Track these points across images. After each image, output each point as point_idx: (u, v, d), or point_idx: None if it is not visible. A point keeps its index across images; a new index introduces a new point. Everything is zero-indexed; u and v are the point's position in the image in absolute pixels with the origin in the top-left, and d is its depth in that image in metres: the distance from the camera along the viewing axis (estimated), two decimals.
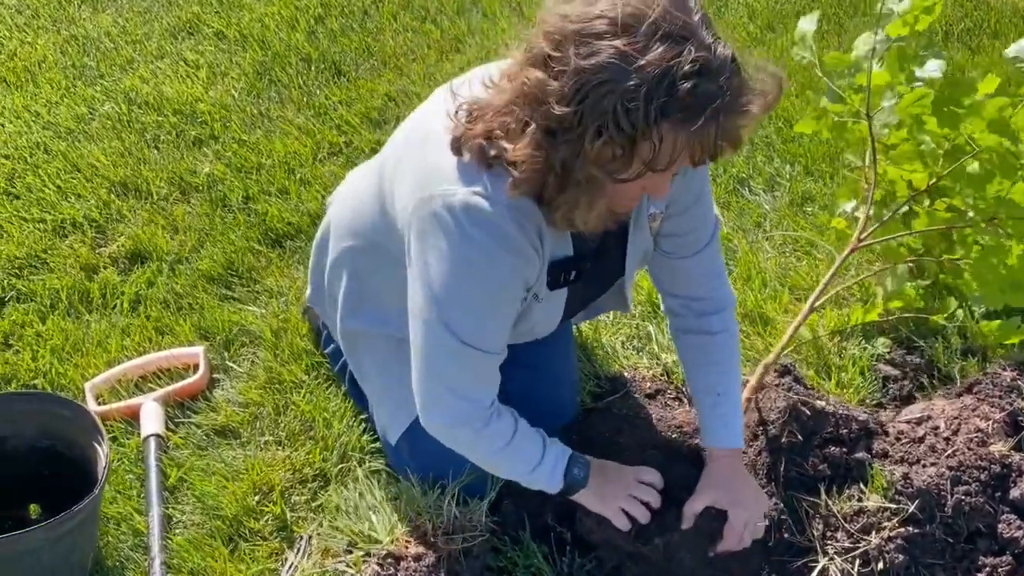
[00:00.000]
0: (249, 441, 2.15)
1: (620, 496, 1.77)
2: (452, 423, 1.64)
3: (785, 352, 2.07)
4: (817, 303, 2.05)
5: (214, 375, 2.31)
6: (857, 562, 1.80)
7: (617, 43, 1.19)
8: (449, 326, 1.52)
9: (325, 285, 1.99)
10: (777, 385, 1.99)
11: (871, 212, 2.02)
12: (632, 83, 1.19)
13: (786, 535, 1.86)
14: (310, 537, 1.94)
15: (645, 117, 1.20)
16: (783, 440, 1.86)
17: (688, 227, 1.73)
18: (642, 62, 1.18)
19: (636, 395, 2.24)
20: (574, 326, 2.26)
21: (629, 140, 1.24)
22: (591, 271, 1.69)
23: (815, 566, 1.82)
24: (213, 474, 2.05)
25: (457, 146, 1.44)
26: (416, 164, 1.54)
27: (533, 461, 1.69)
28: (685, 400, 2.22)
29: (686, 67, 1.18)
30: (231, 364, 2.33)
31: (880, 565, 1.77)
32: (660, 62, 1.18)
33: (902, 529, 1.80)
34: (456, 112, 1.44)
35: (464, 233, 1.43)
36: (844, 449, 1.89)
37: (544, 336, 1.83)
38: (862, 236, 2.02)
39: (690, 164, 1.30)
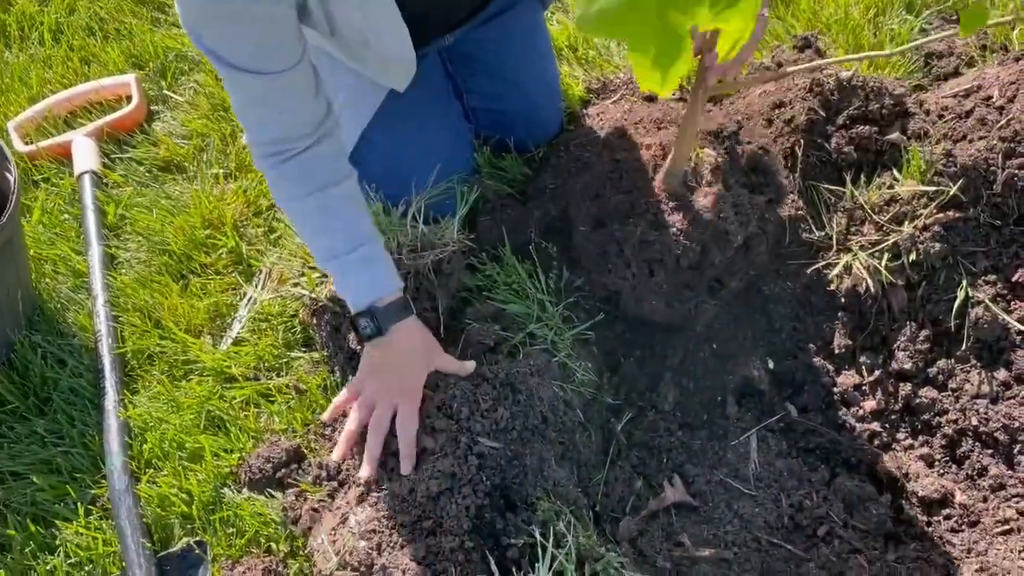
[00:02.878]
0: (196, 175, 1.91)
1: (381, 397, 1.38)
2: (255, 158, 1.33)
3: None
4: None
5: (152, 107, 2.04)
6: (885, 256, 1.56)
7: None
8: (212, 50, 1.18)
9: None
10: (795, 61, 1.66)
11: None
12: None
13: (803, 233, 1.62)
14: (270, 270, 1.74)
15: None
16: (802, 119, 1.56)
17: None
18: None
19: (634, 97, 1.94)
20: (548, 27, 1.92)
21: None
22: None
23: (836, 264, 1.59)
24: (157, 210, 1.83)
25: None
26: None
27: (335, 248, 1.36)
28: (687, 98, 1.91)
29: None
30: (169, 94, 2.05)
31: (912, 257, 1.54)
32: None
33: (940, 215, 1.55)
34: None
35: None
36: (875, 129, 1.59)
37: (416, 66, 1.49)
38: None
39: None
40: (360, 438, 1.40)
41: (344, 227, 1.36)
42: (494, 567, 1.21)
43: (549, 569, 1.18)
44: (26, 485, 1.48)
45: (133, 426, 1.53)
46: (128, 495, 1.44)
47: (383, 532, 1.27)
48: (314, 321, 1.55)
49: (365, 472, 1.33)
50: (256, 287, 1.72)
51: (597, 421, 1.59)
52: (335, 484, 1.44)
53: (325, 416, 1.47)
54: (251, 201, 1.84)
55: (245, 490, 1.43)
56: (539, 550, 1.23)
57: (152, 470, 1.48)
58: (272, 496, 1.42)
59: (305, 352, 1.61)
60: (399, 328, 1.38)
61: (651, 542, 1.46)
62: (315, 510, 1.40)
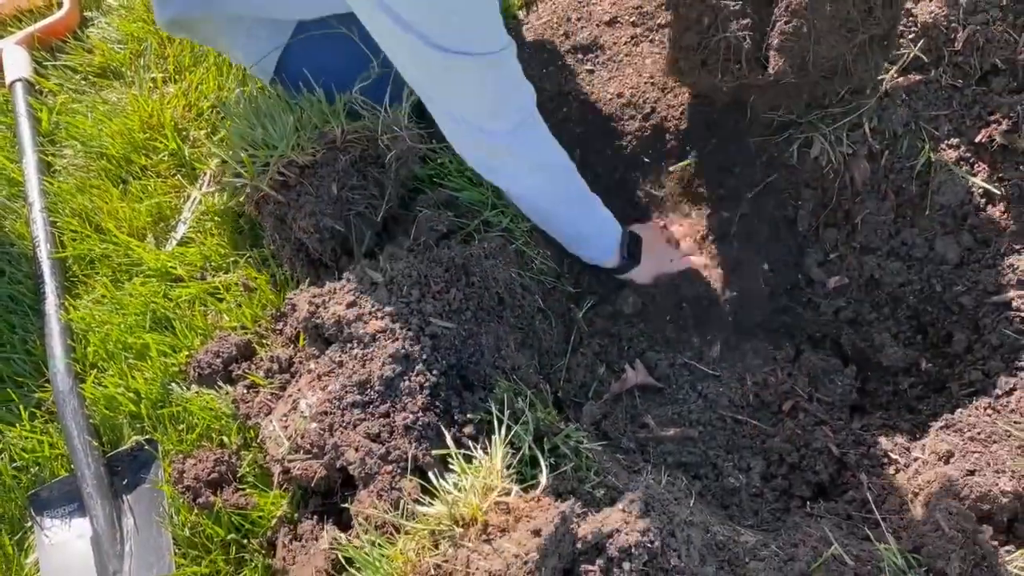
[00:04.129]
0: (133, 80, 1.82)
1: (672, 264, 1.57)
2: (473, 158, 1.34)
3: None
4: None
5: (85, 12, 1.94)
6: (846, 131, 1.52)
7: None
8: (428, 37, 1.10)
9: None
10: None
11: None
12: None
13: (762, 113, 1.57)
14: (214, 173, 1.67)
15: None
16: None
17: None
18: None
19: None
20: None
21: None
22: None
23: (797, 140, 1.55)
24: (94, 115, 1.75)
25: None
26: None
27: (585, 227, 1.47)
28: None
29: None
30: None
31: (874, 123, 1.49)
32: None
33: (901, 79, 1.50)
34: None
35: None
36: None
37: None
38: None
39: None
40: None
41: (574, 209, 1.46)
42: (450, 441, 1.17)
43: (504, 440, 1.15)
44: None
45: (76, 329, 1.47)
46: (73, 396, 1.39)
47: (335, 413, 1.23)
48: (259, 212, 1.49)
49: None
50: (200, 188, 1.66)
51: (557, 309, 1.55)
52: (287, 376, 1.40)
53: None
54: (192, 103, 1.76)
55: (194, 386, 1.39)
56: (496, 425, 1.20)
57: (97, 371, 1.43)
58: (222, 390, 1.37)
59: (252, 249, 1.55)
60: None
61: (615, 424, 1.43)
62: (267, 402, 1.36)
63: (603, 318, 1.58)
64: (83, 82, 1.84)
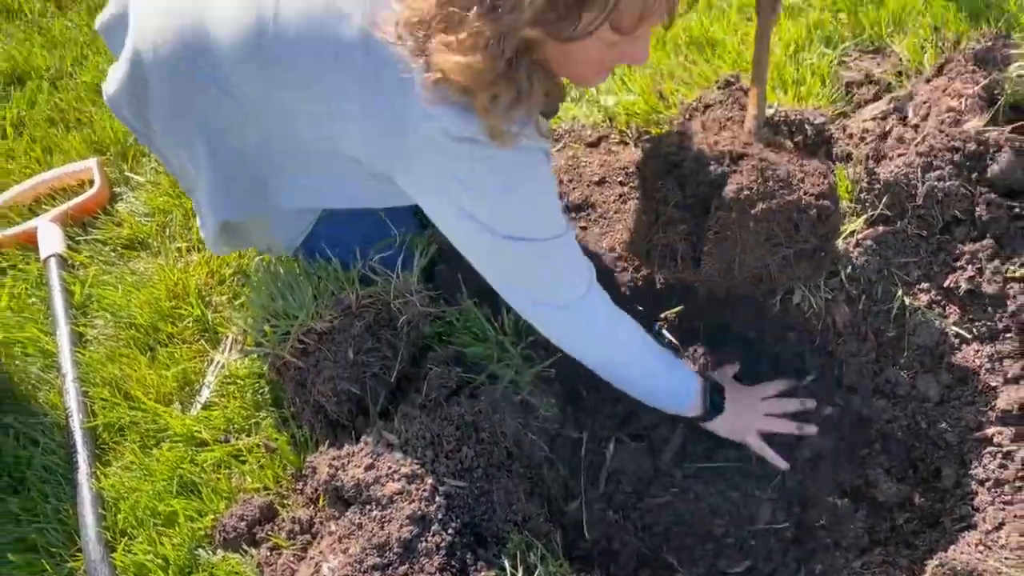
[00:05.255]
0: (160, 250, 1.96)
1: (756, 419, 1.59)
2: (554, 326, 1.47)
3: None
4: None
5: (114, 188, 2.10)
6: (824, 279, 1.63)
7: None
8: (510, 235, 1.31)
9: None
10: (721, 103, 1.76)
11: None
12: None
13: None
14: (236, 336, 1.79)
15: None
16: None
17: None
18: None
19: (576, 145, 2.03)
20: None
21: None
22: None
23: (781, 288, 1.66)
24: (123, 286, 1.88)
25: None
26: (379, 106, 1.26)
27: (664, 376, 1.52)
28: (630, 142, 2.01)
29: None
30: (131, 175, 2.11)
31: (848, 270, 1.61)
32: None
33: (871, 230, 1.63)
34: (399, 37, 1.16)
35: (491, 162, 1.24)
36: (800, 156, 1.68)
37: None
38: None
39: (666, 13, 1.15)
40: None
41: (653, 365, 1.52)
42: None
43: None
44: (1, 564, 1.49)
45: (107, 497, 1.54)
46: (104, 565, 1.45)
47: None
48: (280, 377, 1.59)
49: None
50: (223, 352, 1.76)
51: (563, 454, 1.63)
52: (308, 537, 1.47)
53: None
54: (214, 270, 1.89)
55: (220, 550, 1.45)
56: None
57: (127, 539, 1.49)
58: (247, 553, 1.44)
59: (274, 411, 1.64)
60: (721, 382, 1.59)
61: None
62: (290, 564, 1.42)
63: (608, 459, 1.65)
64: (112, 254, 1.97)
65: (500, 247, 1.33)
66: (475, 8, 1.08)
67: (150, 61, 1.39)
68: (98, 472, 1.58)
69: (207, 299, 1.85)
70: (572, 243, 1.41)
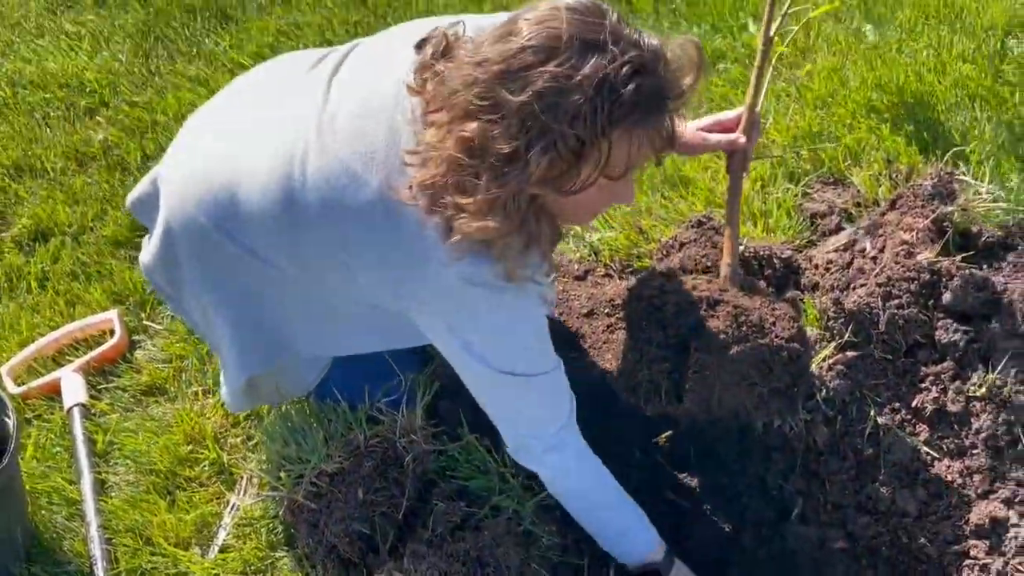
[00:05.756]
0: (177, 395, 2.08)
1: None
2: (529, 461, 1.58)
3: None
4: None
5: (133, 337, 2.23)
6: (802, 401, 1.75)
7: (548, 68, 1.16)
8: (508, 370, 1.45)
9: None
10: (695, 241, 1.92)
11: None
12: (576, 99, 1.16)
13: None
14: (251, 476, 1.88)
15: (594, 130, 1.18)
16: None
17: None
18: (578, 78, 1.16)
19: (564, 279, 2.17)
20: None
21: (575, 154, 1.20)
22: None
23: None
24: (143, 432, 1.99)
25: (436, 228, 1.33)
26: (391, 249, 1.40)
27: (630, 523, 1.60)
28: (615, 274, 2.15)
29: (623, 70, 1.17)
30: (149, 323, 2.25)
31: (823, 393, 1.73)
32: (596, 73, 1.16)
33: (840, 355, 1.76)
34: (414, 197, 1.32)
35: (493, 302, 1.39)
36: (771, 288, 1.82)
37: None
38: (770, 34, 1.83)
39: (654, 157, 1.32)
40: None
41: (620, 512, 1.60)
42: None
43: None
44: None
45: None
46: None
47: None
48: (294, 519, 1.69)
49: None
50: (238, 494, 1.86)
51: None
52: None
53: None
54: (229, 413, 2.00)
55: None
56: None
57: None
58: None
59: (288, 551, 1.73)
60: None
61: None
62: None
63: None
64: (132, 400, 2.09)
65: (496, 379, 1.45)
66: (486, 176, 1.22)
67: (180, 234, 1.54)
68: None
69: (222, 441, 1.96)
70: (561, 375, 1.52)
